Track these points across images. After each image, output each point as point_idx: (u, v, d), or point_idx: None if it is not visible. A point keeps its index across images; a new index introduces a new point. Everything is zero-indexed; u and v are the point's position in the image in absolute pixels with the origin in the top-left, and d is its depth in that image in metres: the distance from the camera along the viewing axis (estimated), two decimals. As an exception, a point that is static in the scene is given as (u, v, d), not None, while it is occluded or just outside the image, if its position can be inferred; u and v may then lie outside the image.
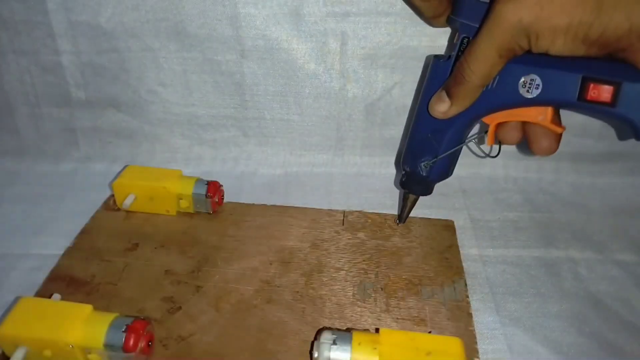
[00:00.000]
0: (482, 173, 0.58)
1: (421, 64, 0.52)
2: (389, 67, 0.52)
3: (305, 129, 0.57)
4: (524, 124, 0.38)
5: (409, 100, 0.54)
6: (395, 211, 0.51)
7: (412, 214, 0.49)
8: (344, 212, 0.51)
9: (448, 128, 0.40)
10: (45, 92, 0.56)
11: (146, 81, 0.54)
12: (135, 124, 0.58)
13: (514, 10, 0.31)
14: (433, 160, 0.41)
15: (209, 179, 0.49)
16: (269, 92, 0.55)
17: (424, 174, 0.43)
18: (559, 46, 0.31)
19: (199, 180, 0.49)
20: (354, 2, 0.48)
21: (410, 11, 0.48)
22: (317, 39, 0.51)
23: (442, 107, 0.37)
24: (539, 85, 0.34)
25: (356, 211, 0.51)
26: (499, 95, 0.36)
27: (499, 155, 0.42)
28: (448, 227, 0.49)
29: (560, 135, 0.38)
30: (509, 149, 0.50)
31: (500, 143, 0.40)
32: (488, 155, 0.46)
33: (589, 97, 0.32)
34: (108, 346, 0.33)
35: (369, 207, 0.52)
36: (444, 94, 0.37)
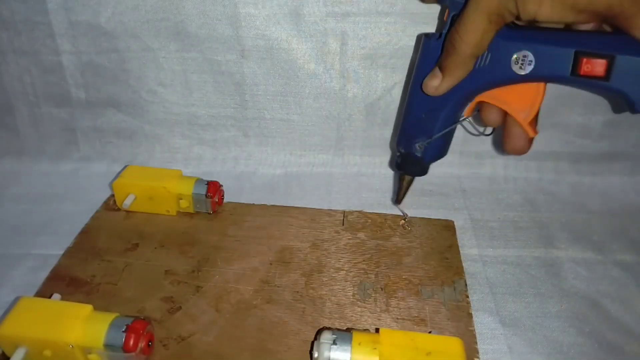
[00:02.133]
0: (482, 173, 0.58)
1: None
2: (389, 67, 0.52)
3: (305, 129, 0.57)
4: (505, 114, 0.38)
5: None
6: (395, 211, 0.51)
7: (412, 214, 0.49)
8: (344, 212, 0.51)
9: (442, 107, 0.39)
10: (45, 92, 0.56)
11: (146, 81, 0.54)
12: (135, 124, 0.58)
13: None
14: (427, 140, 0.41)
15: (209, 179, 0.49)
16: (269, 92, 0.55)
17: (419, 155, 0.42)
18: (546, 11, 0.31)
19: (199, 180, 0.49)
20: (354, 2, 0.48)
21: (411, 11, 0.48)
22: (317, 39, 0.51)
23: (434, 82, 0.37)
24: (531, 61, 0.33)
25: (356, 211, 0.51)
26: (492, 72, 0.35)
27: (498, 155, 0.42)
28: (448, 227, 0.49)
29: (532, 138, 0.38)
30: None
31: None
32: (482, 134, 0.45)
33: (582, 72, 0.32)
34: (108, 346, 0.33)
35: (369, 207, 0.52)
36: (436, 69, 0.37)
